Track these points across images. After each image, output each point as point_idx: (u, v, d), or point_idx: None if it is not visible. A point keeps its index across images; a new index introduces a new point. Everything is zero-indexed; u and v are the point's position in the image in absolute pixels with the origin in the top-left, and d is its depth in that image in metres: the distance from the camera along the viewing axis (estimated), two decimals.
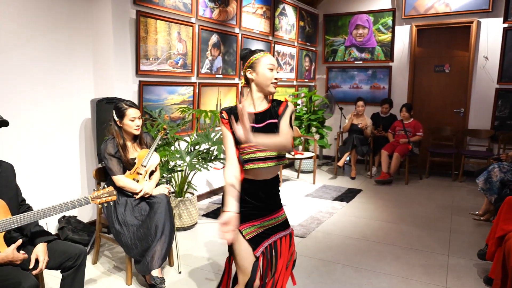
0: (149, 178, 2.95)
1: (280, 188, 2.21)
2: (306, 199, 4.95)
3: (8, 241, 2.00)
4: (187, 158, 3.67)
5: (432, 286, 2.84)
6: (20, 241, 1.93)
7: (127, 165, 2.87)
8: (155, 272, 2.66)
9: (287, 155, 5.37)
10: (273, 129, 1.97)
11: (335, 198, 4.97)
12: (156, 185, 2.97)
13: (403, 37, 6.56)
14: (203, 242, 3.58)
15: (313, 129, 6.57)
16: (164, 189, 2.93)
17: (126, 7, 3.61)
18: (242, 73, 2.05)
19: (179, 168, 3.78)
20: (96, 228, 3.10)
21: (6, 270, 1.83)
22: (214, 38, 4.70)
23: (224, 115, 1.97)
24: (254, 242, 1.98)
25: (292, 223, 3.81)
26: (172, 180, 3.88)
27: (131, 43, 3.68)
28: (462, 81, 6.22)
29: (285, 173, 6.45)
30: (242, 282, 1.99)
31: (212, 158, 3.84)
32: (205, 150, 3.93)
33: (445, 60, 6.35)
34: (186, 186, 3.92)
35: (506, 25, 5.72)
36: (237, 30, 5.10)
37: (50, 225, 3.32)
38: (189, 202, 3.81)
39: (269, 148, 1.91)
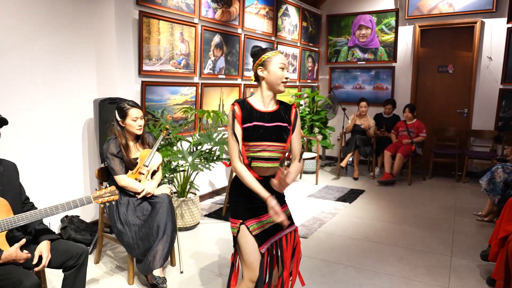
0: (151, 178, 2.96)
1: None
2: (309, 199, 4.95)
3: (11, 240, 2.01)
4: (189, 158, 3.67)
5: (434, 287, 2.83)
6: (24, 241, 1.94)
7: (129, 165, 2.88)
8: (157, 272, 2.66)
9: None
10: (281, 132, 2.02)
11: (338, 199, 4.96)
12: (158, 185, 2.98)
13: (406, 37, 6.54)
14: (205, 242, 3.58)
15: (316, 130, 6.57)
16: (166, 189, 2.94)
17: (129, 7, 3.62)
18: (252, 70, 2.08)
19: (181, 168, 3.78)
20: (98, 228, 3.11)
21: (7, 269, 1.84)
22: (216, 39, 4.70)
23: (237, 110, 1.98)
24: (260, 238, 2.01)
25: None
26: (175, 180, 3.88)
27: (133, 43, 3.70)
28: (465, 82, 6.19)
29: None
30: (248, 277, 1.99)
31: (214, 158, 3.85)
32: (207, 150, 3.93)
33: (449, 61, 6.32)
34: (188, 186, 3.93)
35: (510, 25, 5.69)
36: (239, 31, 5.10)
37: (53, 224, 3.34)
38: (191, 202, 3.81)
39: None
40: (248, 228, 1.99)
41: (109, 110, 3.23)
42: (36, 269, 1.95)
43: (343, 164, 5.97)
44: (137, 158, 2.91)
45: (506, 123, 5.87)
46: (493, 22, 5.84)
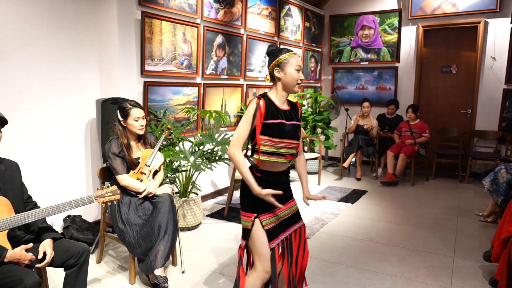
0: (153, 177, 2.97)
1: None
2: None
3: (12, 239, 2.02)
4: (191, 158, 3.68)
5: None
6: (30, 245, 1.96)
7: (131, 165, 2.89)
8: (158, 271, 2.67)
9: None
10: (297, 130, 2.15)
11: (340, 199, 4.95)
12: (160, 185, 2.99)
13: (409, 37, 6.52)
14: (207, 242, 3.59)
15: (319, 130, 6.56)
16: (167, 188, 2.95)
17: (132, 8, 3.63)
18: (268, 69, 2.15)
19: (183, 168, 3.79)
20: (100, 228, 3.12)
21: (9, 267, 1.85)
22: (219, 39, 4.71)
23: (262, 104, 2.04)
24: (271, 234, 2.08)
25: None
26: (177, 180, 3.89)
27: (136, 43, 3.71)
28: (469, 82, 6.17)
29: (290, 174, 6.42)
30: (262, 268, 2.04)
31: (216, 158, 3.85)
32: (209, 151, 3.94)
33: (452, 61, 6.30)
34: (190, 186, 3.93)
35: None
36: (242, 31, 5.11)
37: (55, 224, 3.35)
38: (193, 202, 3.82)
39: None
40: (261, 222, 2.05)
41: (111, 110, 3.24)
42: (39, 265, 1.97)
43: (345, 164, 5.95)
44: (138, 158, 2.92)
45: (510, 124, 5.84)
46: (497, 22, 5.82)
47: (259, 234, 2.05)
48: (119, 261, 3.19)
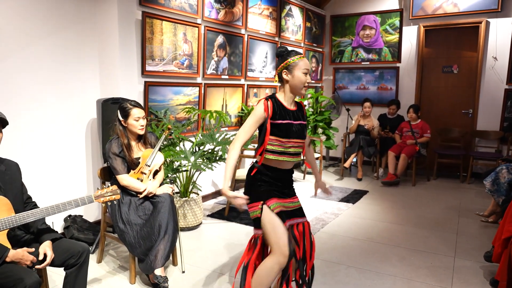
0: (153, 177, 2.97)
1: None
2: (312, 200, 4.93)
3: (12, 239, 2.02)
4: (192, 158, 3.68)
5: None
6: (33, 249, 1.97)
7: (132, 165, 2.89)
8: (158, 271, 2.67)
9: None
10: (304, 129, 2.22)
11: (341, 199, 4.94)
12: (160, 185, 2.99)
13: (410, 37, 6.51)
14: (207, 242, 3.59)
15: (320, 130, 6.55)
16: (167, 188, 2.95)
17: (132, 8, 3.64)
18: (277, 71, 2.21)
19: (184, 168, 3.79)
20: (100, 227, 3.12)
21: (9, 267, 1.86)
22: (220, 39, 4.71)
23: (270, 105, 2.10)
24: (280, 217, 2.11)
25: None
26: (177, 180, 3.89)
27: (137, 43, 3.71)
28: (470, 82, 6.16)
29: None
30: (280, 252, 2.03)
31: (217, 158, 3.85)
32: (209, 151, 3.94)
33: (453, 61, 6.29)
34: (191, 186, 3.93)
35: None
36: (243, 31, 5.11)
37: (56, 224, 3.36)
38: (194, 202, 3.82)
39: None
40: (269, 207, 2.09)
41: (112, 110, 3.24)
42: (39, 266, 1.97)
43: (346, 164, 5.95)
44: (139, 158, 2.92)
45: None
46: (498, 22, 5.81)
47: (271, 217, 2.07)
48: (120, 261, 3.19)
